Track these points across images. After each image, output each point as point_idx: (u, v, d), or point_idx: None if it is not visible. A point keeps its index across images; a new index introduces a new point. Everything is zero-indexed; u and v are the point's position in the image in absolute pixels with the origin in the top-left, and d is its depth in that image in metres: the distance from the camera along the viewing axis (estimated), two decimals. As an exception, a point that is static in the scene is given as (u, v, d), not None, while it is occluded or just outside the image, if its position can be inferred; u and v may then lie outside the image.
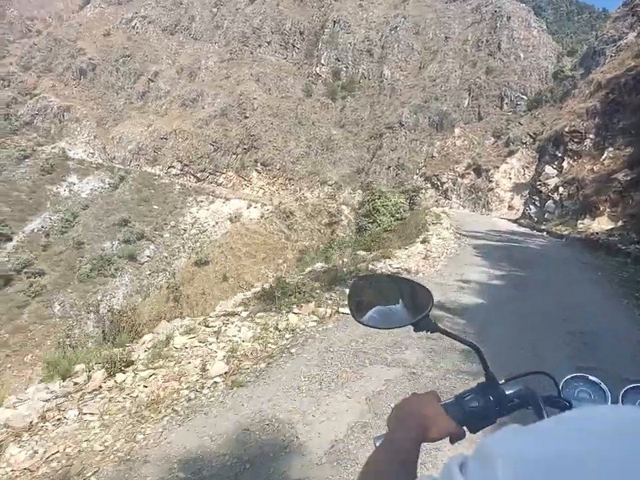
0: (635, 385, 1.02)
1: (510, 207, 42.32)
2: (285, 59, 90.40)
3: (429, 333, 1.07)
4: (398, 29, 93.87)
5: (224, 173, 75.69)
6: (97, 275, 52.76)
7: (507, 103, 73.13)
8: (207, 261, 42.39)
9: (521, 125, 47.42)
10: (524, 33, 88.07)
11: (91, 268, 52.37)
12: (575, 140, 23.12)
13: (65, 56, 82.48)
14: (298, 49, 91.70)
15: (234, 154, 76.62)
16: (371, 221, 29.12)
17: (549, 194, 22.90)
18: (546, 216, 22.26)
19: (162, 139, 75.51)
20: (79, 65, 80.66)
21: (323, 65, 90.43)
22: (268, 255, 41.35)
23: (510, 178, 45.12)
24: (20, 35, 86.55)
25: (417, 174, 62.30)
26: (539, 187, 25.24)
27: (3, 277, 49.65)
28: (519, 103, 63.21)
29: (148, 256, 58.48)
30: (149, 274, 54.73)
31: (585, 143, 22.36)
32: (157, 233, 62.63)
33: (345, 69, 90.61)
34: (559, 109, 39.73)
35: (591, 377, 1.09)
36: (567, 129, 24.00)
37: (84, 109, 77.63)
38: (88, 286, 51.61)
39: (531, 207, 26.07)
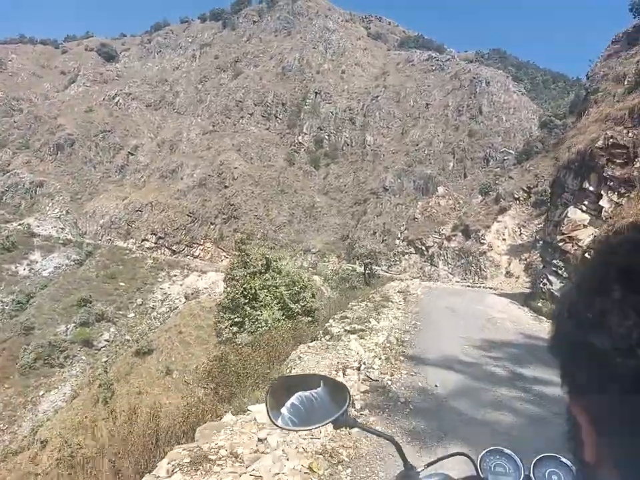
0: (543, 455, 1.04)
1: (508, 274, 35.09)
2: (267, 129, 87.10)
3: (348, 429, 1.02)
4: (379, 97, 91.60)
5: (201, 245, 69.25)
6: (42, 366, 44.60)
7: (493, 159, 68.34)
8: (151, 350, 34.52)
9: (512, 178, 41.42)
10: (504, 97, 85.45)
11: (36, 357, 44.33)
12: (618, 160, 14.10)
13: (43, 132, 78.88)
14: (280, 119, 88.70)
15: (212, 224, 70.61)
16: (237, 318, 19.33)
17: (584, 254, 13.09)
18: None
19: (137, 211, 69.81)
20: (56, 141, 76.76)
21: (305, 134, 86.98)
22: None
23: (504, 239, 38.20)
24: (2, 115, 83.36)
25: (398, 238, 55.85)
26: (561, 244, 15.65)
27: None
28: (506, 158, 58.07)
29: (106, 340, 50.68)
30: (105, 361, 46.48)
31: (638, 164, 13.64)
32: (120, 313, 55.05)
33: (327, 137, 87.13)
34: (553, 159, 33.98)
35: (505, 450, 1.09)
36: (599, 143, 14.71)
37: (58, 183, 72.67)
38: (29, 379, 43.30)
39: (551, 278, 15.91)
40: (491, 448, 1.11)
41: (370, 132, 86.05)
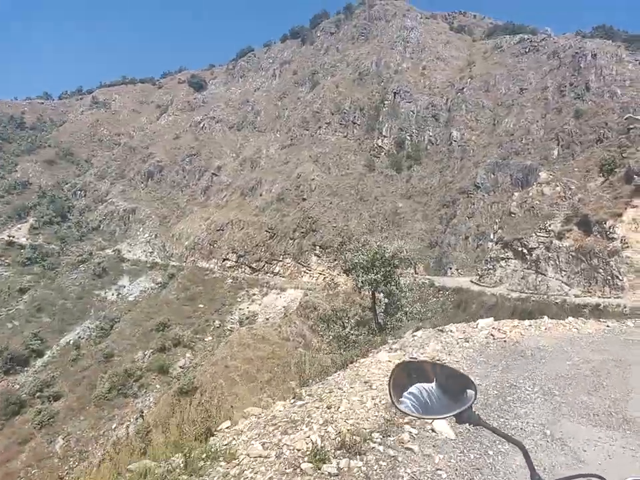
0: None
1: (655, 284, 24.01)
2: (345, 136, 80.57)
3: (471, 426, 1.03)
4: (464, 89, 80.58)
5: (280, 261, 64.33)
6: (117, 396, 41.83)
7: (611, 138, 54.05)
8: (195, 387, 28.96)
9: None
10: (617, 68, 69.45)
11: (110, 387, 41.63)
12: None
13: (136, 162, 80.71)
14: (358, 125, 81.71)
15: (291, 239, 65.42)
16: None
17: None
18: None
19: (218, 230, 67.18)
20: (147, 168, 77.71)
21: (384, 136, 78.98)
22: (275, 374, 26.84)
23: None
24: (106, 150, 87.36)
25: (490, 240, 45.13)
26: None
27: (16, 403, 40.58)
28: (633, 126, 44.47)
29: (182, 367, 46.97)
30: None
31: None
32: (197, 337, 51.53)
33: (409, 137, 78.16)
34: None
35: None
36: None
37: (149, 209, 73.06)
38: (104, 411, 40.66)
39: None
40: (632, 476, 1.03)
41: (456, 127, 75.44)
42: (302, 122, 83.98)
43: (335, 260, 65.74)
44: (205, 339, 51.25)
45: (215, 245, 66.23)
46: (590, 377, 6.23)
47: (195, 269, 62.34)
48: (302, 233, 66.53)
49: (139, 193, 76.12)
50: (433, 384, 1.05)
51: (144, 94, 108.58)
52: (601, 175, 33.69)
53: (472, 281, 36.96)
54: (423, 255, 62.95)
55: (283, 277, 63.34)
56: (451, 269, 58.78)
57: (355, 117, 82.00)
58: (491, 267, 35.40)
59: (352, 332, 12.70)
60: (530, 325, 10.12)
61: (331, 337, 12.74)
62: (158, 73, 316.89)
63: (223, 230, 67.37)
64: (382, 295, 14.68)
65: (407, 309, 13.86)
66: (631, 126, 42.21)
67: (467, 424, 0.98)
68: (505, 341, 8.85)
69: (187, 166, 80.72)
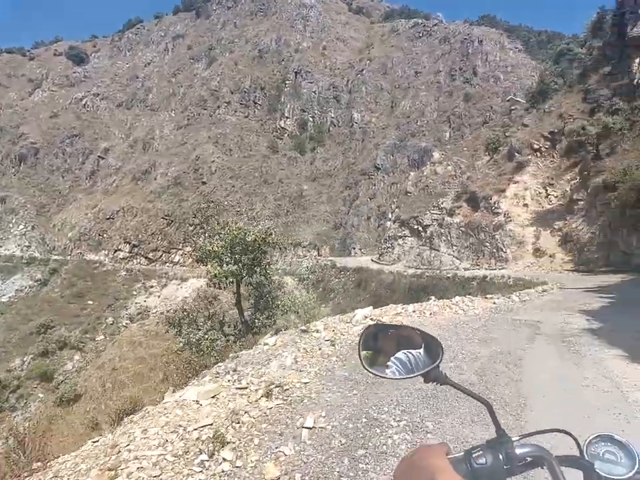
0: None
1: (538, 252, 25.37)
2: (246, 117, 77.35)
3: (438, 384, 1.02)
4: (364, 71, 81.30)
5: (180, 249, 60.25)
6: (-13, 413, 35.88)
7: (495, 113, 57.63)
8: (78, 395, 25.61)
9: (526, 126, 31.41)
10: (500, 55, 74.61)
11: (-23, 404, 35.74)
12: None
13: (5, 143, 70.08)
14: (260, 105, 78.85)
15: (190, 225, 61.38)
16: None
17: None
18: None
19: (107, 219, 60.98)
20: (18, 151, 67.85)
21: (287, 117, 77.21)
22: (170, 372, 24.37)
23: (525, 204, 28.21)
24: (-35, 130, 74.62)
25: (389, 219, 46.10)
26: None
27: None
28: (514, 107, 47.53)
29: (68, 371, 41.98)
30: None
31: None
32: (87, 336, 46.46)
33: (311, 119, 77.24)
34: (582, 92, 24.32)
35: (616, 437, 1.00)
36: None
37: (22, 197, 64.05)
38: (-31, 433, 34.51)
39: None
40: (601, 433, 1.01)
41: (357, 109, 76.06)
42: (199, 101, 78.95)
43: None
44: (97, 339, 46.40)
45: (105, 235, 60.14)
46: (476, 384, 5.13)
47: (82, 262, 56.12)
48: (203, 218, 62.99)
49: (10, 180, 66.40)
50: (421, 349, 1.03)
51: (11, 66, 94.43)
52: (487, 153, 35.40)
53: (372, 260, 37.15)
54: (329, 237, 63.25)
55: (184, 266, 59.49)
56: (354, 249, 59.52)
57: (256, 96, 79.00)
58: (390, 245, 35.77)
59: (207, 336, 10.71)
60: (414, 311, 9.26)
61: (181, 343, 10.67)
62: (28, 42, 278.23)
63: (113, 218, 61.34)
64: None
65: (281, 302, 12.10)
66: (512, 107, 45.17)
67: (434, 383, 0.99)
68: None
69: (68, 148, 72.05)
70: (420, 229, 34.13)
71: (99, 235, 60.14)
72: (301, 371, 6.09)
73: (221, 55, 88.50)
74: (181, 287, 55.09)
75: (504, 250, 27.25)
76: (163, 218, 60.93)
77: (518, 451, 0.92)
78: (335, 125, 77.11)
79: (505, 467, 0.90)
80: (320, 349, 7.05)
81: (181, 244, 60.67)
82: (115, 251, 58.75)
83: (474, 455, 0.89)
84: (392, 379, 1.04)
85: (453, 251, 31.08)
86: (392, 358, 1.05)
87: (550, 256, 24.27)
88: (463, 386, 1.01)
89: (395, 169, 63.60)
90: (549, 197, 26.74)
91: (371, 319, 8.30)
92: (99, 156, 72.08)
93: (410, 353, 1.04)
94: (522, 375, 5.24)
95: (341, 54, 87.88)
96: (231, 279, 10.69)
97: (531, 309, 10.31)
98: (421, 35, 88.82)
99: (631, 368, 5.03)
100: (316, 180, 70.52)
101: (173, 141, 73.47)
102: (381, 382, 5.07)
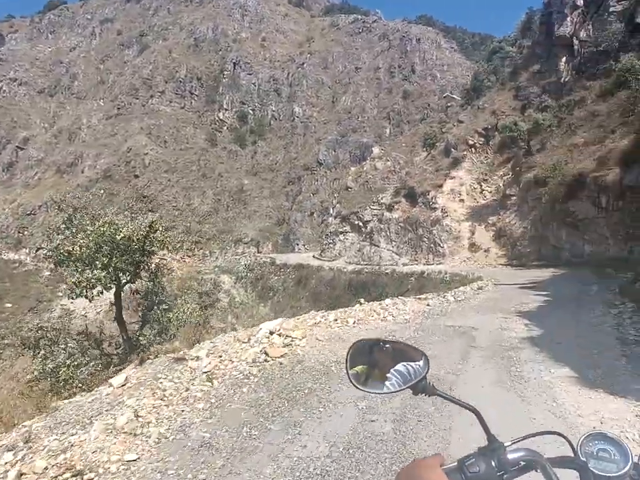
0: None
1: (473, 247, 25.75)
2: (182, 108, 73.88)
3: (426, 396, 1.02)
4: (305, 65, 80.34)
5: (112, 247, 56.22)
6: None
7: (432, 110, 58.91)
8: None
9: (462, 122, 32.00)
10: (436, 54, 76.51)
11: None
12: None
13: None
14: (197, 96, 75.62)
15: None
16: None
17: None
18: None
19: (28, 215, 55.85)
20: None
21: (226, 109, 74.68)
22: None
23: (461, 200, 28.58)
24: None
25: (330, 214, 45.82)
26: None
27: None
28: (450, 104, 48.67)
29: (-20, 385, 37.53)
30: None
31: None
32: (4, 342, 41.80)
33: (251, 111, 75.22)
34: (513, 89, 24.89)
35: (609, 434, 1.01)
36: None
37: None
38: None
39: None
40: (594, 432, 1.02)
41: (298, 103, 75.01)
42: (130, 89, 74.34)
43: (178, 242, 60.59)
44: (16, 345, 42.23)
45: (26, 233, 55.08)
46: (389, 440, 3.70)
47: (-2, 262, 51.08)
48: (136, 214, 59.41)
49: None
50: (421, 362, 1.03)
51: None
52: (424, 149, 35.77)
53: (314, 256, 36.52)
54: (272, 234, 61.95)
55: (116, 265, 55.83)
56: (298, 244, 58.76)
57: (192, 86, 75.64)
58: (331, 241, 35.28)
59: (68, 361, 8.72)
60: (335, 320, 8.28)
61: (35, 372, 8.59)
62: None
63: (35, 214, 56.33)
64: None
65: (173, 315, 10.25)
66: (449, 104, 46.22)
67: (423, 394, 1.00)
68: (280, 363, 5.79)
69: (-19, 137, 65.30)
70: (360, 224, 33.86)
71: (19, 232, 55.02)
72: (137, 435, 4.11)
73: (153, 42, 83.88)
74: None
75: (441, 245, 27.47)
76: (91, 214, 56.75)
77: (510, 456, 0.92)
78: (276, 119, 75.64)
79: (498, 473, 0.90)
80: (187, 390, 5.16)
81: (112, 241, 56.88)
82: (38, 249, 53.86)
83: (467, 464, 0.89)
84: (384, 393, 1.02)
85: (393, 247, 31.02)
86: (391, 370, 1.03)
87: (485, 250, 24.71)
88: (453, 397, 1.00)
89: (337, 164, 63.38)
90: (484, 192, 27.28)
91: (279, 334, 7.02)
92: (17, 146, 65.91)
93: (410, 365, 1.03)
94: (452, 420, 3.91)
95: (280, 46, 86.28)
96: (100, 289, 8.60)
97: (467, 310, 9.69)
98: (360, 30, 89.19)
99: (583, 397, 4.32)
100: (257, 174, 68.81)
101: (101, 132, 68.66)
102: (257, 447, 3.73)
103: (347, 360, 1.09)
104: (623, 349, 5.86)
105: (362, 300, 10.40)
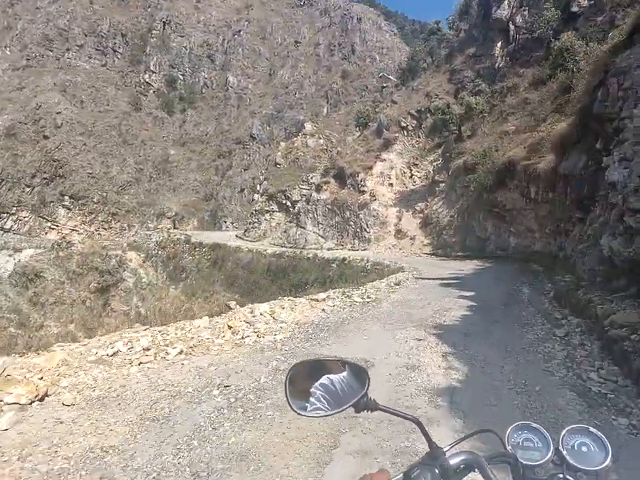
0: (572, 427, 1.02)
1: (399, 233, 24.56)
2: (103, 65, 66.59)
3: (369, 412, 1.00)
4: (241, 32, 75.50)
5: (13, 214, 49.99)
6: None
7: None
8: None
9: (395, 103, 30.55)
10: (377, 36, 74.86)
11: None
12: None
13: None
14: (120, 54, 68.49)
15: (28, 186, 51.19)
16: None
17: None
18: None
19: None
20: None
21: (153, 72, 68.48)
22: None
23: (390, 184, 27.22)
24: None
25: (257, 192, 43.25)
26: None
27: None
28: (385, 84, 47.28)
29: None
30: None
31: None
32: None
33: (181, 76, 69.66)
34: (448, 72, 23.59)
35: (533, 425, 1.05)
36: None
37: None
38: None
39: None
40: (519, 423, 1.06)
41: (233, 72, 70.46)
42: (43, 39, 65.45)
43: (92, 213, 54.80)
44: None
45: None
46: None
47: None
48: (44, 179, 52.78)
49: None
50: (345, 373, 1.00)
51: None
52: (357, 129, 33.97)
53: (237, 236, 33.84)
54: (198, 209, 57.98)
55: (18, 233, 49.51)
56: (225, 222, 55.62)
57: (115, 43, 68.28)
58: (256, 220, 32.80)
59: None
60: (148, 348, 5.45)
61: None
62: None
63: None
64: None
65: None
66: (384, 84, 44.75)
67: (365, 411, 0.98)
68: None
69: None
70: (288, 204, 31.70)
71: None
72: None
73: (73, -11, 74.24)
74: (13, 258, 45.51)
75: (367, 230, 26.07)
76: (-11, 176, 49.45)
77: (452, 461, 0.94)
78: (208, 87, 70.60)
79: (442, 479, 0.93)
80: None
81: (15, 207, 50.21)
82: None
83: (412, 476, 0.90)
84: (319, 417, 0.98)
85: (319, 230, 29.20)
86: (315, 384, 0.99)
87: (411, 238, 23.60)
88: (395, 410, 0.99)
89: (271, 140, 60.55)
90: (413, 177, 26.12)
91: (146, 356, 4.38)
92: None
93: (332, 376, 1.00)
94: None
95: (216, 9, 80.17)
96: None
97: (370, 320, 7.43)
98: (302, 3, 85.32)
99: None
100: (185, 145, 64.09)
101: (7, 84, 59.98)
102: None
103: (285, 388, 1.03)
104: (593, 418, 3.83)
105: (232, 303, 8.23)
